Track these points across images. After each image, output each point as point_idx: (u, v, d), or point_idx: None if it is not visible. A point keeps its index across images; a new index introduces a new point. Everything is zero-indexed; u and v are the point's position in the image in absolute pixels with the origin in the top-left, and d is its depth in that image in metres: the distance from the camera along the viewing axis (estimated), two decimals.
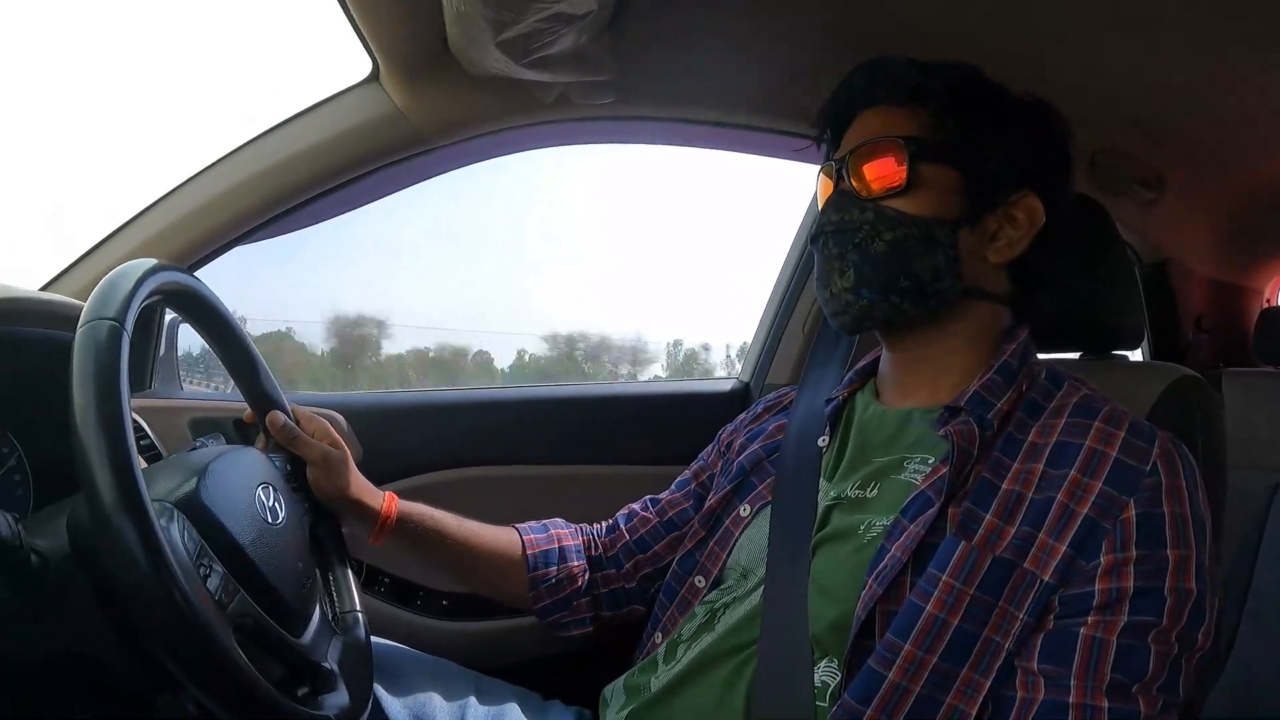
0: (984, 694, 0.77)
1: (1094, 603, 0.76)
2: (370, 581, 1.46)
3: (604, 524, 1.21)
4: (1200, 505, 0.80)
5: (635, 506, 1.20)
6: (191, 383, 1.56)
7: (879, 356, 1.05)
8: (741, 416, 1.20)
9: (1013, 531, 0.80)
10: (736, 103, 1.42)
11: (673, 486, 1.19)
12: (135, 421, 1.29)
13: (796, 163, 1.60)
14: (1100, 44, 1.21)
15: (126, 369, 0.70)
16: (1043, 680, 0.76)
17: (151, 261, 0.80)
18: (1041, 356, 1.12)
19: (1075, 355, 1.19)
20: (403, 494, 1.45)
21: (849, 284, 0.92)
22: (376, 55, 1.19)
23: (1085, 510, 0.78)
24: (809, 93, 1.38)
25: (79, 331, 0.70)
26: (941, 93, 0.93)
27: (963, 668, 0.77)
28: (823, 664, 0.85)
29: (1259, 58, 1.33)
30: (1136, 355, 1.96)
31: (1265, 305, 2.35)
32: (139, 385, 1.43)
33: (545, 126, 1.35)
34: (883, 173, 0.91)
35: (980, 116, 0.93)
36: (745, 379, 1.74)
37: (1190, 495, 0.79)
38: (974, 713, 0.77)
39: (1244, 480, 1.14)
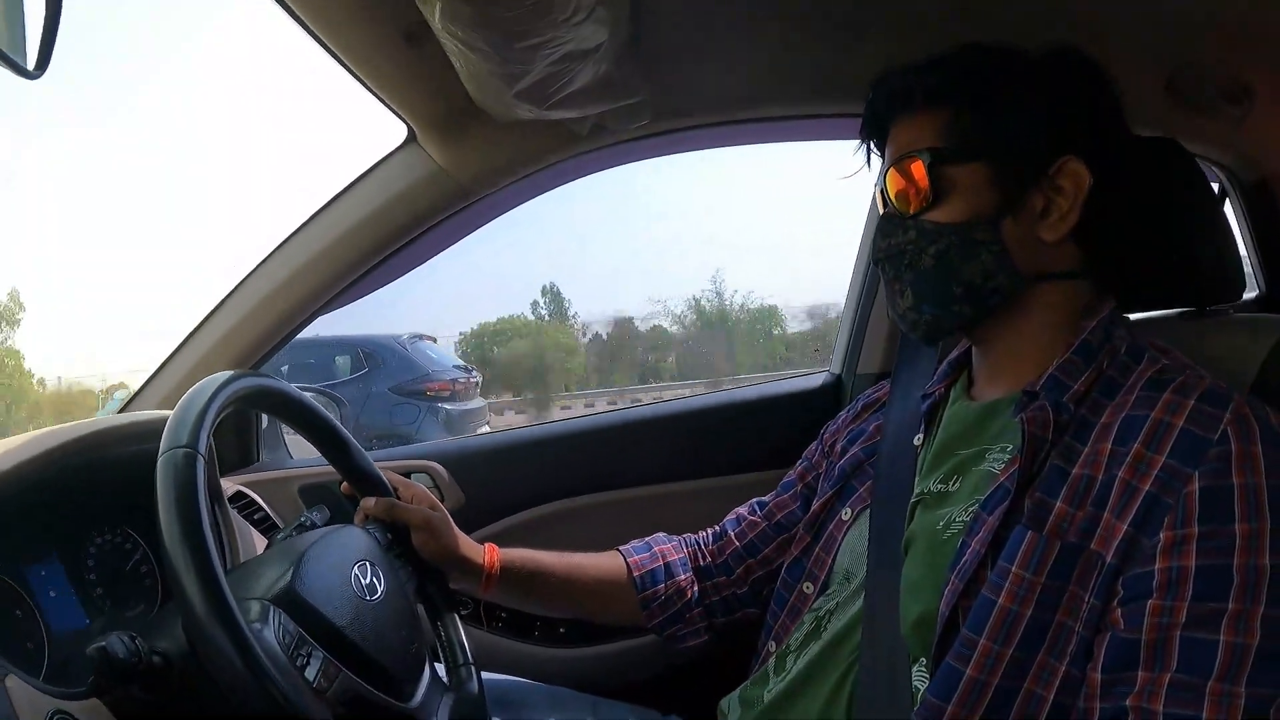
0: (1059, 678, 0.75)
1: (1155, 583, 0.72)
2: (488, 617, 1.50)
3: (710, 531, 1.21)
4: None
5: (742, 511, 1.20)
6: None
7: (970, 347, 1.01)
8: (843, 415, 1.18)
9: (1081, 515, 0.77)
10: (779, 94, 1.38)
11: (778, 489, 1.19)
12: (248, 496, 1.37)
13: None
14: None
15: (204, 490, 0.77)
16: (1100, 690, 0.72)
17: (221, 378, 0.86)
18: (1136, 317, 1.05)
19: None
20: (507, 532, 1.50)
21: (910, 303, 0.92)
22: (408, 119, 1.21)
23: (1147, 486, 0.74)
24: (851, 69, 1.32)
25: (159, 460, 0.77)
26: (952, 88, 0.90)
27: (1038, 654, 0.76)
28: (915, 669, 0.85)
29: None
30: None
31: None
32: (246, 461, 1.51)
33: (587, 156, 1.34)
34: (911, 190, 0.90)
35: (996, 99, 0.88)
36: (836, 371, 1.69)
37: (1271, 461, 0.73)
38: (1050, 697, 0.75)
39: None
